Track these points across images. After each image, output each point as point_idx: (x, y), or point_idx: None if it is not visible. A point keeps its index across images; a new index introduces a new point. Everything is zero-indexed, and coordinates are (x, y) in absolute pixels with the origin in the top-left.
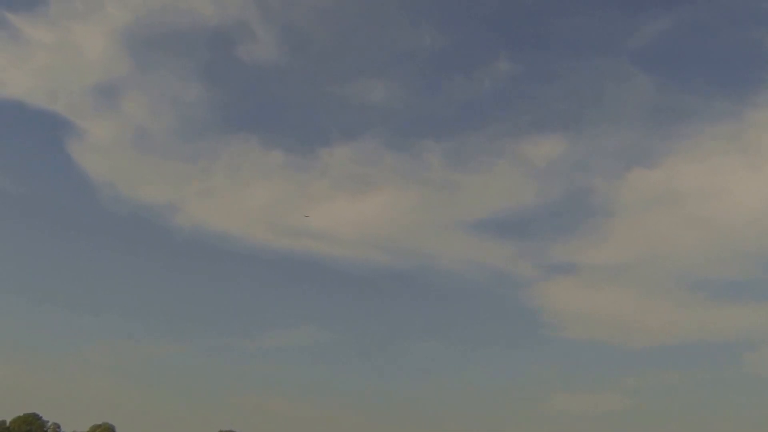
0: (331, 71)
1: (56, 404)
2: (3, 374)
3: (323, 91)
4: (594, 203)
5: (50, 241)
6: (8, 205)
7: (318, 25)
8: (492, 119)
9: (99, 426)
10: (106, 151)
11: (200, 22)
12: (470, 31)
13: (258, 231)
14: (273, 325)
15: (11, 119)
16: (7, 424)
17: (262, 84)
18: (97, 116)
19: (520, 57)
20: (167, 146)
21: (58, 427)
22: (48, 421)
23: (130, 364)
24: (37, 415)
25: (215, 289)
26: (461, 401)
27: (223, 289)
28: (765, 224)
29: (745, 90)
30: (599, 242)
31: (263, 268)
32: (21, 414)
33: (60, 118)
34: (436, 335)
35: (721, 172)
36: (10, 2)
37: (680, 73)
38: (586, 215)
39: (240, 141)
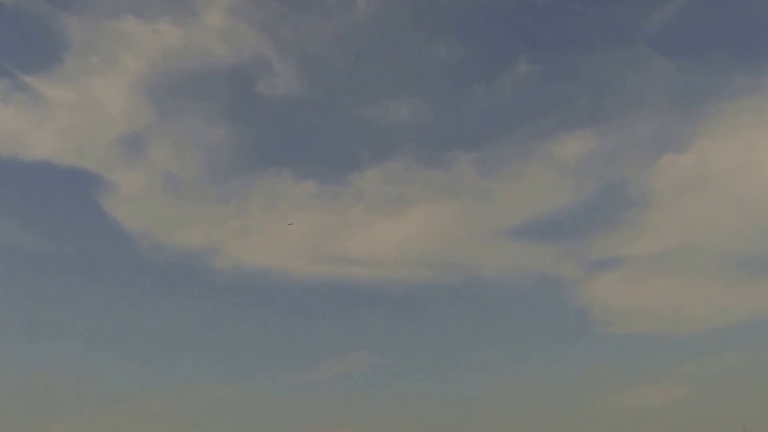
0: (352, 96)
1: None
2: (75, 425)
3: (348, 116)
4: (629, 195)
5: (93, 295)
6: (48, 265)
7: (334, 51)
8: (518, 123)
9: None
10: (138, 200)
11: (217, 63)
12: (485, 38)
13: (299, 263)
14: (325, 355)
15: (40, 180)
16: None
17: (287, 117)
18: (125, 168)
19: (539, 57)
20: (199, 189)
21: None
22: None
23: (190, 407)
24: None
25: (263, 326)
26: (521, 406)
27: (270, 325)
28: None
29: (765, 61)
30: (639, 233)
31: (308, 299)
32: None
33: (89, 173)
34: (487, 345)
35: (751, 147)
36: (25, 64)
37: (699, 53)
38: (623, 208)
39: (271, 176)
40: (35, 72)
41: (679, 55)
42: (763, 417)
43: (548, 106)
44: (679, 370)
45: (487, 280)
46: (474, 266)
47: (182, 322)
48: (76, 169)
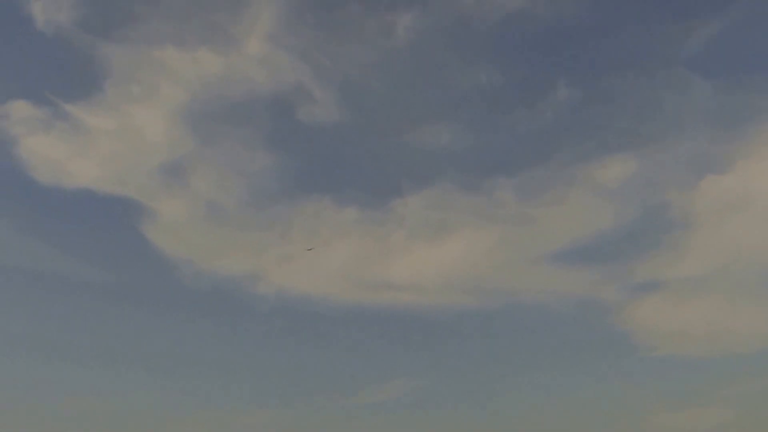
0: (393, 122)
1: None
2: None
3: (388, 142)
4: (672, 217)
5: (135, 323)
6: (90, 293)
7: (373, 78)
8: (559, 148)
9: None
10: (180, 228)
11: (257, 91)
12: (525, 63)
13: (341, 289)
14: (367, 380)
15: (83, 208)
16: None
17: (327, 143)
18: (167, 195)
19: (578, 82)
20: (241, 217)
21: None
22: None
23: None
24: None
25: (305, 352)
26: (563, 431)
27: (313, 351)
28: None
29: None
30: (682, 255)
31: (350, 325)
32: None
33: (131, 201)
34: (529, 370)
35: None
36: (66, 93)
37: (738, 74)
38: (665, 230)
39: (313, 203)
40: (76, 101)
41: (718, 76)
42: None
43: (588, 129)
44: (723, 392)
45: (528, 305)
46: (516, 291)
47: (224, 348)
48: (118, 197)
